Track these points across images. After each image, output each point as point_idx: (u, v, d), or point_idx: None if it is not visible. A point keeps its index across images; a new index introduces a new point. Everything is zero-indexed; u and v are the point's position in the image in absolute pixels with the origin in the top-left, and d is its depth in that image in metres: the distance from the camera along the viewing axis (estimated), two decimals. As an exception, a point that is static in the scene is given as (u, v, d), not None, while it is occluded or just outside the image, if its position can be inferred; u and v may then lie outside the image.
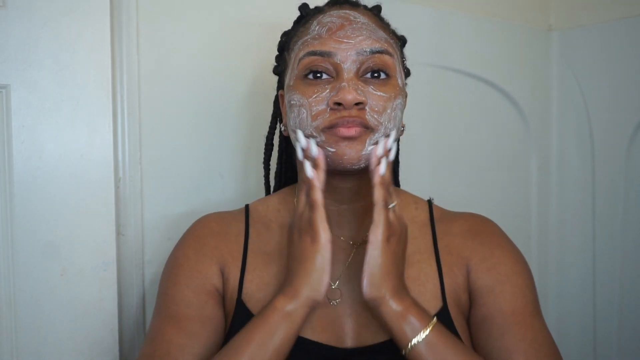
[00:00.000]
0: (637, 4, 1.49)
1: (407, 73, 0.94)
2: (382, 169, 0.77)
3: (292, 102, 0.84)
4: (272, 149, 1.01)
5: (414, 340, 0.75)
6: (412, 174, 1.28)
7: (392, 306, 0.76)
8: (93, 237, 0.97)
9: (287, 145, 0.98)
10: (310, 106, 0.81)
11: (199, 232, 0.92)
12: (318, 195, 0.77)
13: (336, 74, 0.81)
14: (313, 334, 0.83)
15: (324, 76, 0.82)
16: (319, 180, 0.78)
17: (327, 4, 0.89)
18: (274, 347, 0.75)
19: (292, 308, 0.76)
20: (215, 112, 1.16)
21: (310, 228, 0.76)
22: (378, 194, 0.77)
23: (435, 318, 0.78)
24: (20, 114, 0.91)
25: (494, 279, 0.86)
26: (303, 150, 0.81)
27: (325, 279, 0.76)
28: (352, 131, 0.79)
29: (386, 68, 0.82)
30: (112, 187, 0.99)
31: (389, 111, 0.81)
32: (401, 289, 0.78)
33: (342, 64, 0.81)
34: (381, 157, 0.78)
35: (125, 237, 1.07)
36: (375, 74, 0.82)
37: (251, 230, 0.92)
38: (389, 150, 0.80)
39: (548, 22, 1.67)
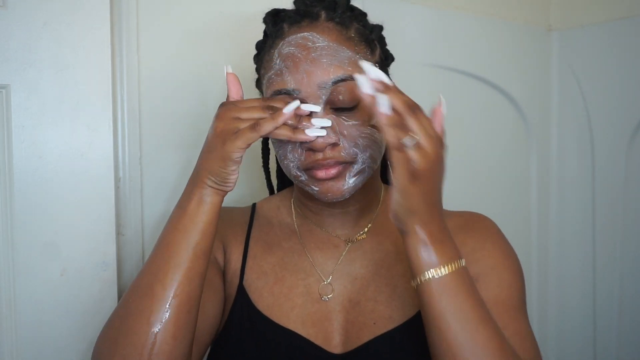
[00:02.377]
0: (637, 4, 1.49)
1: (391, 59, 0.91)
2: (384, 107, 0.69)
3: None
4: (269, 152, 1.01)
5: (427, 275, 0.71)
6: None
7: (419, 235, 0.71)
8: (93, 237, 0.97)
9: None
10: (285, 147, 0.82)
11: None
12: (268, 128, 0.73)
13: None
14: (303, 328, 0.84)
15: None
16: (281, 119, 0.74)
17: (287, 21, 0.84)
18: (200, 226, 0.76)
19: (208, 195, 0.77)
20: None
21: (232, 136, 0.73)
22: (389, 135, 0.69)
23: (462, 262, 0.73)
24: (20, 114, 0.91)
25: (480, 270, 0.84)
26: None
27: (233, 177, 0.76)
28: (330, 173, 0.79)
29: (353, 97, 0.79)
30: (112, 186, 0.99)
31: (364, 136, 0.80)
32: (432, 221, 0.72)
33: (308, 100, 0.79)
34: (371, 92, 0.70)
35: (125, 237, 1.07)
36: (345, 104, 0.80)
37: (255, 222, 0.95)
38: (380, 81, 0.71)
39: (548, 22, 1.67)
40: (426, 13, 1.42)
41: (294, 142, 0.81)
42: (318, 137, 0.78)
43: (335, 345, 0.83)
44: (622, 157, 1.53)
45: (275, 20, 0.86)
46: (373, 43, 0.87)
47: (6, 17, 0.89)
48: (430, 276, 0.71)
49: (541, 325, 1.68)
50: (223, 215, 0.92)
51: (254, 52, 0.93)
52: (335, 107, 0.80)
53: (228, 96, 0.80)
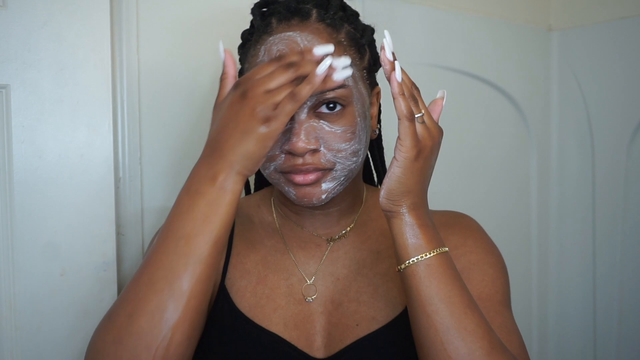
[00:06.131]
0: (637, 4, 1.49)
1: (379, 65, 0.87)
2: (398, 75, 0.70)
3: None
4: None
5: (414, 258, 0.72)
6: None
7: (406, 219, 0.72)
8: (93, 237, 0.97)
9: None
10: None
11: None
12: (307, 92, 0.70)
13: None
14: (285, 331, 0.82)
15: None
16: (317, 79, 0.70)
17: (276, 16, 0.82)
18: (220, 220, 0.70)
19: (233, 182, 0.71)
20: (215, 112, 1.16)
21: (272, 113, 0.69)
22: (400, 106, 0.69)
23: (446, 249, 0.74)
24: (20, 114, 0.91)
25: (462, 266, 0.83)
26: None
27: (263, 160, 0.72)
28: (308, 178, 0.77)
29: (340, 100, 0.78)
30: (112, 187, 0.99)
31: (344, 146, 0.78)
32: (421, 205, 0.74)
33: None
34: (392, 61, 0.71)
35: (125, 237, 1.07)
36: (331, 105, 0.77)
37: (236, 220, 0.92)
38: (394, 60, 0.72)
39: (548, 22, 1.67)
40: (426, 13, 1.42)
41: (275, 147, 0.78)
42: (301, 144, 0.75)
43: (317, 348, 0.82)
44: (622, 157, 1.53)
45: (263, 13, 0.84)
46: (363, 48, 0.85)
47: (6, 17, 0.89)
48: (418, 259, 0.72)
49: (541, 325, 1.68)
50: None
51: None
52: (319, 111, 0.78)
53: (225, 72, 0.76)
